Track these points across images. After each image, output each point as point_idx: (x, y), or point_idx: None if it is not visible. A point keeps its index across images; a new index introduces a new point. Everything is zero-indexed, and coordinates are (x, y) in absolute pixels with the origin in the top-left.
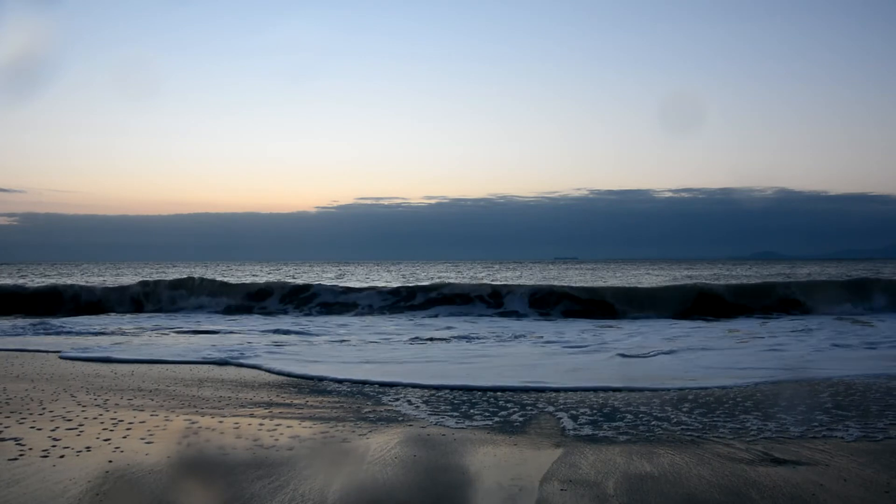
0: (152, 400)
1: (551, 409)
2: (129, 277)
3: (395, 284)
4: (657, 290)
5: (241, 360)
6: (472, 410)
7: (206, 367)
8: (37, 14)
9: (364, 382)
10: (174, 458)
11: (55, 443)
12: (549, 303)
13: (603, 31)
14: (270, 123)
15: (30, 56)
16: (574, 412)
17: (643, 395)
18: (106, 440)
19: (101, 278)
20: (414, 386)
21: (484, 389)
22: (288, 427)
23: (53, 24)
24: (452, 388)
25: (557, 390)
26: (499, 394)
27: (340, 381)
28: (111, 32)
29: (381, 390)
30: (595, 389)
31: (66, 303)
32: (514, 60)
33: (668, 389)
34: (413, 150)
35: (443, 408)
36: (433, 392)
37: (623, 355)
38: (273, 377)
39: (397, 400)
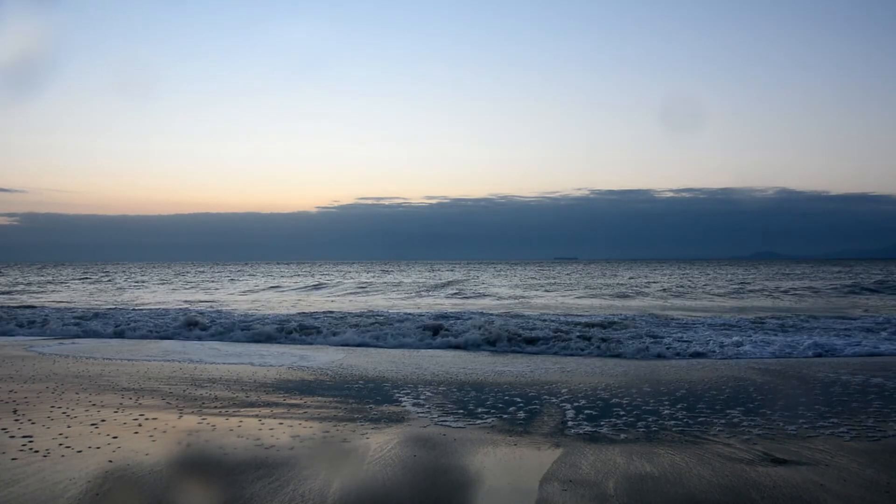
0: (151, 399)
1: (555, 400)
2: (128, 277)
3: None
4: None
5: None
6: (476, 408)
7: (202, 365)
8: (37, 15)
9: None
10: (174, 458)
11: (55, 442)
12: None
13: (604, 32)
14: (271, 124)
15: (30, 57)
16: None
17: None
18: (112, 436)
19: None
20: None
21: None
22: (288, 427)
23: (53, 25)
24: None
25: None
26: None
27: None
28: (112, 34)
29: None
30: None
31: None
32: (516, 62)
33: None
34: (414, 151)
35: (447, 407)
36: (434, 391)
37: None
38: (273, 377)
39: (398, 399)
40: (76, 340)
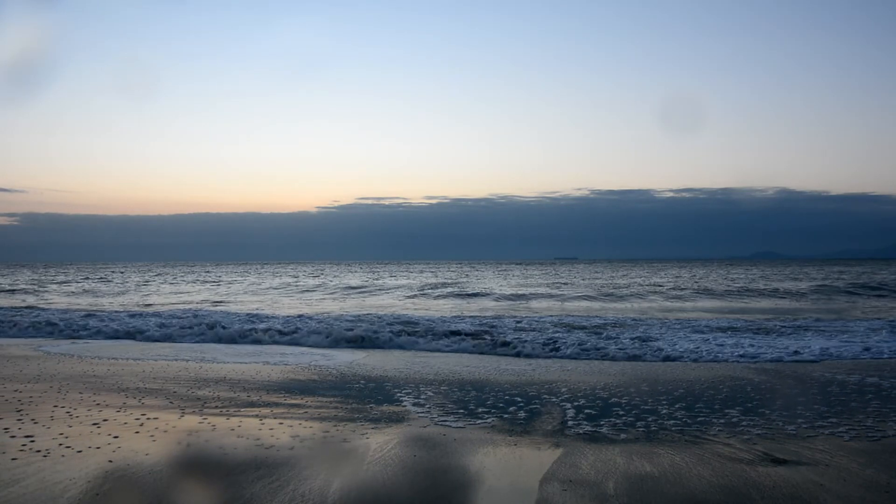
0: (153, 399)
1: (555, 400)
2: (127, 277)
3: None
4: None
5: None
6: (476, 409)
7: (207, 364)
8: (37, 16)
9: None
10: (174, 458)
11: (56, 442)
12: None
13: (604, 32)
14: (271, 124)
15: (31, 57)
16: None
17: None
18: (113, 436)
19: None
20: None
21: None
22: (289, 427)
23: (54, 25)
24: None
25: None
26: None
27: None
28: (112, 34)
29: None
30: None
31: None
32: (516, 62)
33: None
34: (414, 151)
35: (447, 407)
36: (436, 390)
37: None
38: (275, 377)
39: (399, 398)
40: (88, 341)
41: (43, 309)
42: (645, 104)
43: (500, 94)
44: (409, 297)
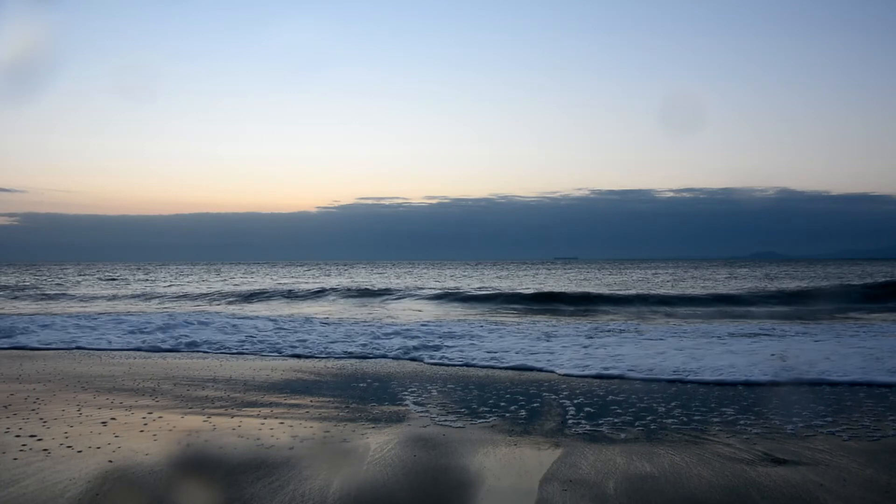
0: (161, 398)
1: (555, 398)
2: (128, 277)
3: None
4: None
5: None
6: (475, 408)
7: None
8: (37, 15)
9: None
10: (174, 458)
11: (55, 442)
12: None
13: (604, 32)
14: (272, 123)
15: (31, 57)
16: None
17: None
18: (115, 435)
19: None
20: None
21: None
22: (289, 426)
23: (54, 24)
24: None
25: None
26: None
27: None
28: (112, 33)
29: (380, 387)
30: None
31: None
32: (516, 62)
33: None
34: (415, 151)
35: (448, 406)
36: (439, 389)
37: None
38: (277, 377)
39: (399, 398)
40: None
41: (69, 316)
42: (645, 104)
43: (500, 94)
44: (427, 303)
